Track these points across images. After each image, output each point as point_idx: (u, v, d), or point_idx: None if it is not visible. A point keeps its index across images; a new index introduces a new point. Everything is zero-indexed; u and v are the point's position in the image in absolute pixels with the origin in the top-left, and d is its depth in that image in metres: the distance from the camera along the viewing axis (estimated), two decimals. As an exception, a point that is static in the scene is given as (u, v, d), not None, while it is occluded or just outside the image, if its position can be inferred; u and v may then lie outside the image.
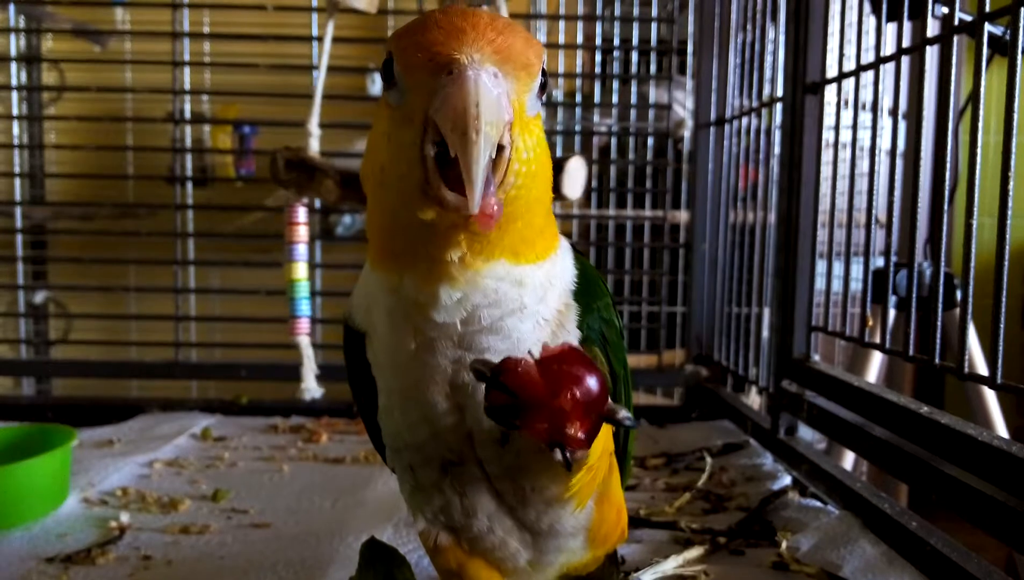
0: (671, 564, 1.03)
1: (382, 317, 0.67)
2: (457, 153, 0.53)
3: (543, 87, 0.62)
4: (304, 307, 1.46)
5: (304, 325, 1.47)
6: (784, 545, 1.08)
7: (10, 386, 2.58)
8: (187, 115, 2.44)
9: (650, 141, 2.25)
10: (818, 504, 1.21)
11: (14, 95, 2.61)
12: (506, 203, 0.58)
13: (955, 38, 0.99)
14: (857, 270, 1.44)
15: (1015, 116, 0.86)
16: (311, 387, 1.52)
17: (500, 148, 0.56)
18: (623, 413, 0.59)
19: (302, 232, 1.46)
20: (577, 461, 0.60)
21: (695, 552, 1.07)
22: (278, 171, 1.44)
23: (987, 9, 0.93)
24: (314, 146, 1.47)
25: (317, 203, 2.01)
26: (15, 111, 2.58)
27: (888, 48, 1.17)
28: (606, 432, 0.68)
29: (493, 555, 0.74)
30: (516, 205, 0.59)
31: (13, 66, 2.52)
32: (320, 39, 1.54)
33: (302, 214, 1.46)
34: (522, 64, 0.57)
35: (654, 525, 1.19)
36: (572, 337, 0.68)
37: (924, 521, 1.02)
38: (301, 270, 1.45)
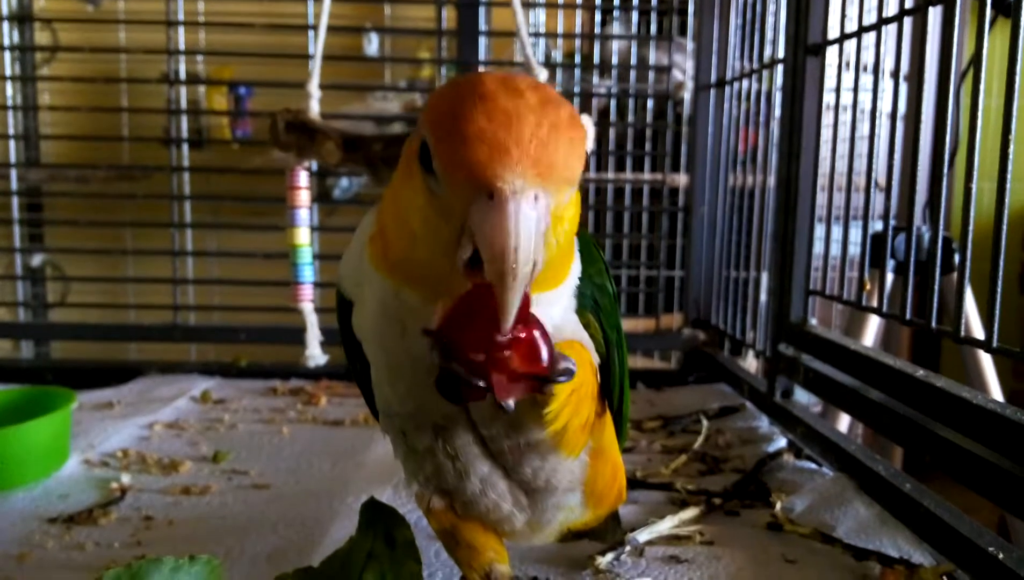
0: (667, 524, 1.04)
1: (374, 302, 0.66)
2: (493, 283, 0.52)
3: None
4: (307, 273, 1.44)
5: (307, 291, 1.45)
6: (779, 506, 1.09)
7: (9, 349, 2.59)
8: (182, 76, 2.42)
9: (650, 103, 2.24)
10: (813, 466, 1.22)
11: (7, 55, 2.58)
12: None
13: (959, -1, 0.98)
14: (856, 234, 1.43)
15: (1017, 79, 0.85)
16: (315, 354, 1.51)
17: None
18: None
19: (303, 196, 1.43)
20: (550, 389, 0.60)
21: (690, 513, 1.08)
22: (278, 133, 1.40)
23: (992, -31, 0.92)
24: (315, 108, 1.44)
25: (314, 166, 2.00)
26: (8, 71, 2.55)
27: (890, 9, 1.15)
28: (584, 373, 0.65)
29: (488, 518, 0.74)
30: (543, 275, 0.57)
31: (5, 25, 2.49)
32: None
33: (303, 178, 1.43)
34: (564, 178, 0.54)
35: (650, 486, 1.20)
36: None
37: (918, 483, 1.03)
38: (303, 235, 1.42)
